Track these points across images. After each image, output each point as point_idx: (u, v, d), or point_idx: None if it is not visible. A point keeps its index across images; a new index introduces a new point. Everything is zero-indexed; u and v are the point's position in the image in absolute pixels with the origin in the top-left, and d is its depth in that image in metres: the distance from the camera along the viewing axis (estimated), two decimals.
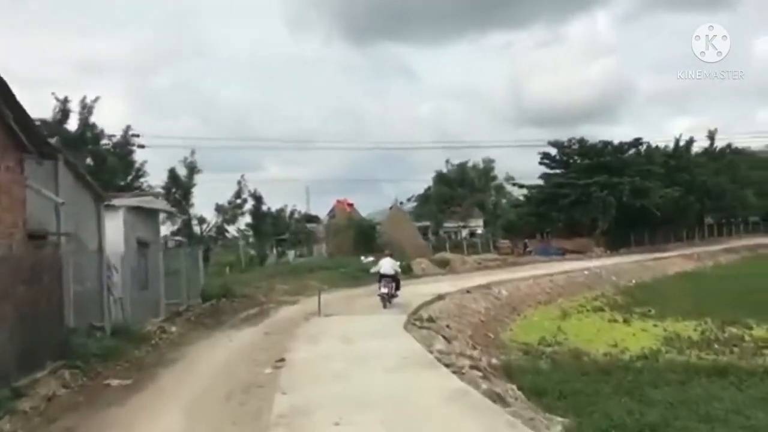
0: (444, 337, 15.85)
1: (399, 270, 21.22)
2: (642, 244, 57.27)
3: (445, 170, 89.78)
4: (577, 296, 31.32)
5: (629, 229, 56.46)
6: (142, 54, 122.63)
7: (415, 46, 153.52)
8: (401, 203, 54.40)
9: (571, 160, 58.00)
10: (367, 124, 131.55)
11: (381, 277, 20.04)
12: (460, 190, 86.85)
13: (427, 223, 69.68)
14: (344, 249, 39.24)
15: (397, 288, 20.30)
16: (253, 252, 44.81)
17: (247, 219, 44.62)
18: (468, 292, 25.96)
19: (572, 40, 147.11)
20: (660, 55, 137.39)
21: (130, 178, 34.54)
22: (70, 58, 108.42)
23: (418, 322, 17.02)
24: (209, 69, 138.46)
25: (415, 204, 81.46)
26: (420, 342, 13.32)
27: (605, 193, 52.35)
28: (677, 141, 62.31)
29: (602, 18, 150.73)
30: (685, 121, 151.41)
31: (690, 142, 63.68)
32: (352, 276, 31.07)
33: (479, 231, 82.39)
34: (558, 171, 58.15)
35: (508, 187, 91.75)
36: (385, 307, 19.47)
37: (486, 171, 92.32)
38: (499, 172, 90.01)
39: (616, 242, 55.36)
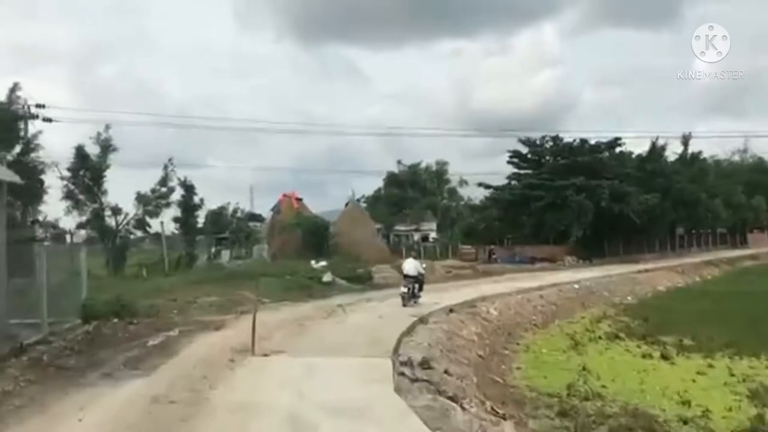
0: (451, 399, 9.78)
1: (423, 271, 21.96)
2: (616, 254, 52.56)
3: (396, 171, 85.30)
4: (574, 316, 25.88)
5: (602, 237, 51.71)
6: (85, 43, 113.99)
7: (365, 49, 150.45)
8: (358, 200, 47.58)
9: (543, 160, 52.90)
10: (315, 124, 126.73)
11: (404, 276, 20.98)
12: (411, 193, 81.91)
13: (378, 226, 64.31)
14: (290, 251, 32.81)
15: (420, 288, 21.17)
16: (184, 252, 37.87)
17: (175, 212, 37.58)
18: (451, 311, 20.00)
19: (519, 50, 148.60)
20: (604, 69, 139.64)
21: (16, 151, 27.32)
22: (9, 43, 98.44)
23: (408, 370, 10.88)
24: (154, 62, 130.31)
25: (364, 206, 75.79)
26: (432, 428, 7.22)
27: (582, 197, 47.32)
28: (653, 144, 58.05)
29: (549, 30, 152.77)
30: (629, 134, 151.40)
31: (663, 147, 59.50)
32: (301, 285, 24.75)
33: (432, 235, 77.41)
34: (528, 171, 52.90)
35: (462, 191, 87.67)
36: (404, 306, 19.91)
37: (439, 173, 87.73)
38: (452, 175, 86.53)
39: (588, 251, 50.41)
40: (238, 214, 60.91)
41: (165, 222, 36.52)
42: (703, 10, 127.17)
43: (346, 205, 39.39)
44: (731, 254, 59.69)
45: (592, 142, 51.72)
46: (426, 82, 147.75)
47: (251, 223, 61.31)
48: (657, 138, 58.83)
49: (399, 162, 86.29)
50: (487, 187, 54.84)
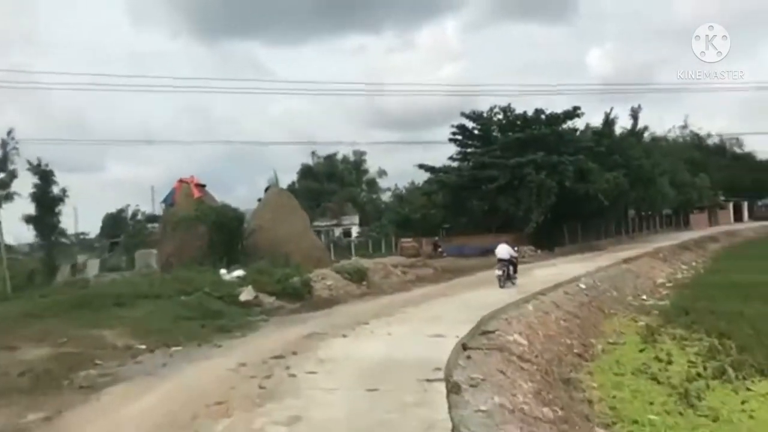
0: None
1: (516, 254, 22.64)
2: (574, 241, 45.85)
3: (311, 163, 78.14)
4: (605, 330, 18.29)
5: (560, 222, 44.84)
6: None
7: (268, 45, 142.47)
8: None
9: (492, 136, 45.24)
10: (217, 123, 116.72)
11: (498, 260, 21.60)
12: (328, 185, 74.39)
13: None
14: (190, 255, 23.33)
15: (515, 270, 21.93)
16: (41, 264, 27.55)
17: (27, 208, 27.14)
18: (466, 349, 11.59)
19: (422, 45, 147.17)
20: (505, 63, 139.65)
21: None
22: None
23: None
24: (42, 59, 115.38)
25: None
26: None
27: (543, 175, 40.00)
28: (607, 117, 51.49)
29: (451, 25, 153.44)
30: None
31: (614, 120, 52.98)
32: (206, 311, 15.55)
33: (355, 230, 69.48)
34: (476, 150, 45.04)
35: (381, 182, 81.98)
36: (501, 286, 20.74)
37: (357, 164, 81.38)
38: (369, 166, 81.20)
39: (544, 239, 43.30)
40: (138, 217, 52.46)
41: (7, 220, 26.06)
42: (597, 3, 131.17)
43: (266, 190, 29.77)
44: (688, 236, 54.16)
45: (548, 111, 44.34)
46: (331, 78, 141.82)
47: (150, 225, 51.74)
48: (611, 109, 52.47)
49: (314, 153, 79.67)
50: (429, 169, 46.55)
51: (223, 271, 19.96)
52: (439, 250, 44.67)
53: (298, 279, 19.57)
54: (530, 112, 44.26)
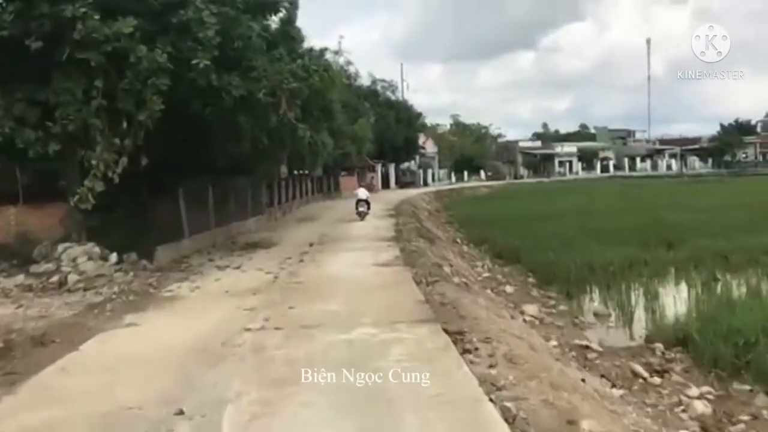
0: None
1: (369, 195, 28.97)
2: (205, 227, 20.23)
3: None
4: None
5: (173, 179, 18.73)
6: None
7: None
8: None
9: None
10: None
11: (358, 200, 27.55)
12: None
13: None
14: None
15: (369, 207, 27.60)
16: None
17: None
18: None
19: None
20: None
21: None
22: None
23: None
24: None
25: None
26: None
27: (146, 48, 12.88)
28: None
29: None
30: None
31: None
32: None
33: None
34: None
35: None
36: (362, 219, 26.46)
37: None
38: None
39: (133, 223, 16.48)
40: None
41: None
42: None
43: None
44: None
45: None
46: None
47: None
48: None
49: None
50: None
51: None
52: None
53: None
54: None
